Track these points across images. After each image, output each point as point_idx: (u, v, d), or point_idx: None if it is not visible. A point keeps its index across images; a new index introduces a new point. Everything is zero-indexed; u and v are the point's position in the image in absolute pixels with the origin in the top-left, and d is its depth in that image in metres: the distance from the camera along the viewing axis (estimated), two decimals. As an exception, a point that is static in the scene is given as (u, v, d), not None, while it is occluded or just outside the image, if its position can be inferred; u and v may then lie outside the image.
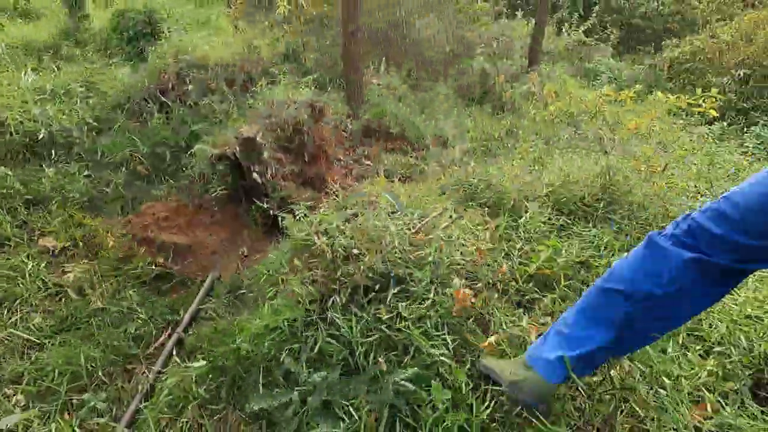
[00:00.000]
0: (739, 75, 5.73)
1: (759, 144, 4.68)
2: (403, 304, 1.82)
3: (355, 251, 1.97)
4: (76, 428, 1.56)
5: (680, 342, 1.60)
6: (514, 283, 2.18)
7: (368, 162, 3.95)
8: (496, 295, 2.09)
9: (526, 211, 2.76)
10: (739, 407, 1.32)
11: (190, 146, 3.44)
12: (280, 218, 2.42)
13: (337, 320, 1.78)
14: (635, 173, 3.04)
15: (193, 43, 4.26)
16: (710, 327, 1.65)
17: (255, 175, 2.86)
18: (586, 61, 7.27)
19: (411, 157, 4.00)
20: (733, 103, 5.65)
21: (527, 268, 2.23)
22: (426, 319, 1.82)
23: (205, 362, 1.86)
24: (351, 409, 1.49)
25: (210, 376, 1.84)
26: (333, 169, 3.55)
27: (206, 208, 3.14)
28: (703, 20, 8.39)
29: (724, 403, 1.32)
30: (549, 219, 2.69)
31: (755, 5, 8.16)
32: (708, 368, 1.39)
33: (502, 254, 2.27)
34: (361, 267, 1.92)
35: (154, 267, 2.64)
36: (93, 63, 4.71)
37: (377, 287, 1.93)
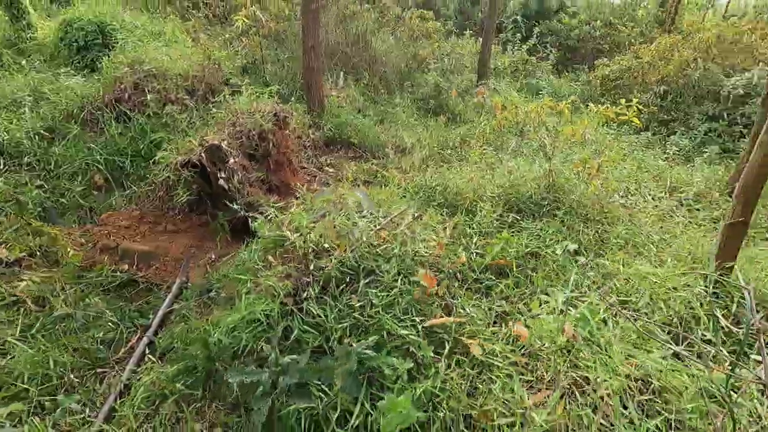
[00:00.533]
0: (660, 91, 6.46)
1: (678, 151, 5.28)
2: (374, 291, 1.97)
3: (326, 245, 2.09)
4: (50, 429, 1.55)
5: (614, 313, 1.85)
6: (472, 273, 2.39)
7: (331, 170, 4.09)
8: (457, 284, 2.28)
9: (481, 210, 3.02)
10: (662, 358, 1.56)
11: (150, 155, 3.41)
12: (250, 220, 2.50)
13: (312, 310, 1.89)
14: (575, 175, 3.39)
15: (149, 54, 4.24)
16: (637, 296, 1.92)
17: (221, 181, 2.91)
18: (530, 77, 7.86)
19: (372, 164, 4.18)
20: (656, 115, 6.35)
21: (483, 260, 2.46)
22: (395, 305, 1.97)
23: (180, 360, 1.90)
24: (325, 387, 1.59)
25: (186, 372, 1.88)
26: (298, 176, 3.66)
27: (171, 215, 3.13)
28: (628, 43, 9.35)
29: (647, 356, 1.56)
30: (501, 216, 2.96)
31: (671, 31, 9.21)
32: (634, 329, 1.64)
33: (461, 248, 2.48)
34: (333, 261, 2.05)
35: (118, 274, 2.61)
36: (40, 72, 4.54)
37: (348, 279, 2.06)
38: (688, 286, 1.97)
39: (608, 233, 2.77)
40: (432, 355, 1.74)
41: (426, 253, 2.25)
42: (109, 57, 4.27)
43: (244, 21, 5.03)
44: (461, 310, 1.99)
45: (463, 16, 12.21)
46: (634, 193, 3.91)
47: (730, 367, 1.52)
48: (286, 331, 1.89)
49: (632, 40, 9.34)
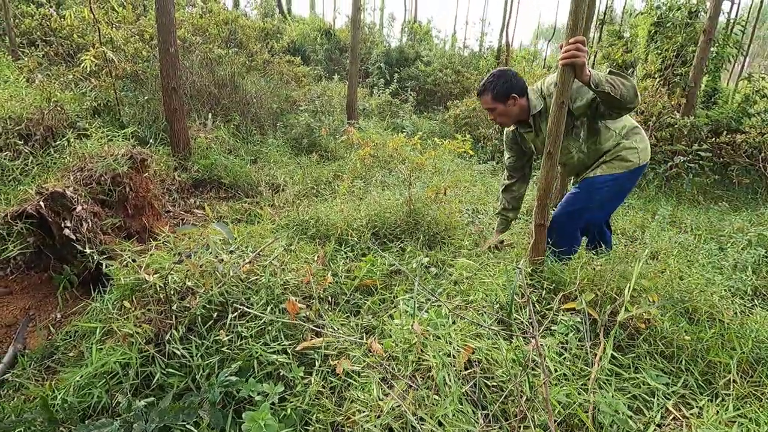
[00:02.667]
0: (498, 126, 7.72)
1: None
2: (242, 323, 2.00)
3: (190, 285, 2.07)
4: None
5: (456, 313, 2.17)
6: (343, 295, 2.57)
7: (201, 212, 3.97)
8: (327, 306, 2.43)
9: (351, 238, 3.25)
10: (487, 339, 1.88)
11: (-30, 210, 2.93)
12: (104, 267, 2.33)
13: (176, 351, 1.84)
14: (430, 200, 3.87)
15: (-33, 95, 3.69)
16: (475, 296, 2.28)
17: (67, 231, 2.64)
18: (394, 117, 8.68)
19: (245, 203, 4.17)
20: (498, 147, 7.53)
21: (353, 282, 2.66)
22: (265, 333, 2.02)
23: (12, 430, 1.66)
24: (191, 426, 1.56)
25: (23, 447, 1.65)
26: (162, 220, 3.48)
27: (0, 275, 2.71)
28: (474, 87, 10.97)
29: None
30: (368, 241, 3.23)
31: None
32: (468, 322, 1.96)
33: (329, 272, 2.65)
34: (198, 299, 2.03)
35: (-77, 353, 2.15)
36: None
37: (216, 315, 2.05)
38: (511, 280, 2.41)
39: (458, 246, 3.22)
40: (302, 375, 1.83)
41: (295, 281, 2.36)
42: None
43: (92, 61, 4.70)
44: (330, 330, 2.13)
45: (333, 62, 13.02)
46: (482, 211, 4.59)
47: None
48: (147, 378, 1.81)
49: (477, 85, 11.00)
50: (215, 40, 7.18)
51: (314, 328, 2.16)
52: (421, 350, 1.86)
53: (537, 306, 2.19)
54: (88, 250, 2.69)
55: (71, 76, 4.69)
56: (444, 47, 17.91)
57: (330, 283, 2.34)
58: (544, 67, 16.04)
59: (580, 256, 2.48)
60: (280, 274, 2.36)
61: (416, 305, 2.09)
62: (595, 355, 1.88)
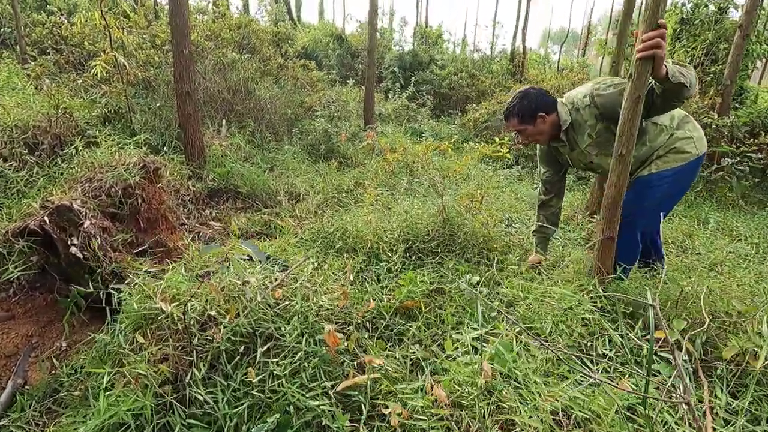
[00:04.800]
0: (521, 130, 7.41)
1: (544, 181, 6.01)
2: (274, 361, 1.70)
3: (213, 314, 1.78)
4: None
5: (522, 341, 1.85)
6: (382, 320, 2.26)
7: (217, 223, 3.70)
8: (367, 334, 2.12)
9: (384, 252, 2.95)
10: (574, 383, 1.57)
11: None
12: (114, 292, 2.05)
13: (198, 396, 1.55)
14: (464, 209, 3.56)
15: (-28, 102, 3.48)
16: (540, 320, 1.96)
17: (74, 249, 2.38)
18: (412, 122, 8.40)
19: (264, 213, 3.89)
20: (522, 151, 7.20)
21: (392, 303, 2.35)
22: (301, 372, 1.72)
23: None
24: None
25: None
26: (176, 234, 3.21)
27: (1, 298, 2.45)
28: (490, 90, 10.67)
29: (565, 383, 1.56)
30: (402, 256, 2.92)
31: (521, 81, 10.79)
32: (544, 357, 1.64)
33: (366, 294, 2.34)
34: (222, 330, 1.73)
35: None
36: None
37: (243, 349, 1.76)
38: (579, 304, 2.08)
39: (502, 262, 2.90)
40: (348, 424, 1.52)
41: (330, 306, 2.06)
42: None
43: (103, 67, 4.49)
44: (374, 365, 1.82)
45: (345, 67, 12.83)
46: (516, 221, 4.26)
47: (634, 384, 1.58)
48: (165, 429, 1.51)
49: (493, 88, 10.70)
50: (228, 44, 6.98)
51: (358, 359, 1.85)
52: (492, 395, 1.54)
53: (611, 332, 1.87)
54: (97, 270, 2.43)
55: (81, 82, 4.48)
56: (455, 51, 17.70)
57: (372, 308, 2.03)
58: (558, 71, 15.68)
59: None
60: (312, 298, 2.06)
61: (476, 333, 1.77)
62: (700, 400, 1.54)
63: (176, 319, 1.74)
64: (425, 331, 2.18)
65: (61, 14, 7.55)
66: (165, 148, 4.50)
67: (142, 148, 3.07)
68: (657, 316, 1.02)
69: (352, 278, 2.27)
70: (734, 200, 6.02)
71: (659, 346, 1.80)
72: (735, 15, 8.71)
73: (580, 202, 4.97)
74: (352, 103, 8.10)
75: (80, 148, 2.97)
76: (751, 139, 6.37)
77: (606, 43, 18.43)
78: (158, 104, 5.20)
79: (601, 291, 2.07)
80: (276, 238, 3.29)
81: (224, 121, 5.75)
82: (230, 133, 5.49)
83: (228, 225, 3.70)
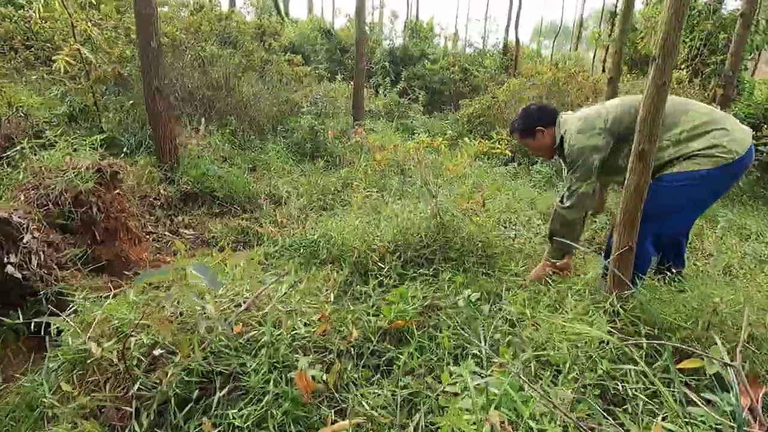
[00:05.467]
0: (517, 125, 7.14)
1: (542, 178, 5.73)
2: (235, 409, 1.39)
3: (160, 351, 1.47)
4: None
5: (533, 371, 1.57)
6: (368, 343, 1.96)
7: (190, 231, 3.37)
8: (351, 364, 1.82)
9: (372, 263, 2.65)
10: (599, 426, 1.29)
11: None
12: (50, 320, 1.73)
13: (135, 461, 1.24)
14: (460, 212, 3.27)
15: None
16: (551, 346, 1.68)
17: (10, 267, 2.05)
18: (403, 118, 8.09)
19: (242, 219, 3.57)
20: (519, 147, 6.93)
21: (380, 323, 2.05)
22: (268, 419, 1.42)
23: None
24: None
25: None
26: (141, 245, 2.89)
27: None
28: (483, 85, 10.38)
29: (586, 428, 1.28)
30: (392, 266, 2.62)
31: (515, 75, 10.52)
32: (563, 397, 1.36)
33: (350, 315, 2.04)
34: (170, 371, 1.43)
35: None
36: None
37: (196, 393, 1.46)
38: (593, 324, 1.80)
39: (503, 270, 2.61)
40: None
41: (307, 332, 1.75)
42: None
43: (66, 61, 4.12)
44: (358, 407, 1.52)
45: (334, 63, 12.48)
46: (515, 221, 3.98)
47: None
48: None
49: (486, 83, 10.41)
50: (208, 38, 6.61)
51: (335, 402, 1.55)
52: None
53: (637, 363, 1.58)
54: (41, 291, 2.10)
55: (35, 77, 4.11)
56: (447, 45, 17.41)
57: (356, 338, 1.73)
58: (556, 65, 15.39)
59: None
60: (286, 324, 1.76)
61: (483, 374, 1.48)
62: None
63: (116, 359, 1.42)
64: (418, 358, 1.89)
65: (30, 8, 7.11)
66: (135, 148, 4.16)
67: (98, 149, 2.73)
68: (740, 377, 0.74)
69: (332, 298, 1.96)
70: (739, 195, 5.82)
71: (691, 378, 1.53)
72: (732, 5, 8.51)
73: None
74: (340, 99, 7.77)
75: (27, 150, 2.63)
76: (754, 132, 6.15)
77: (599, 36, 18.21)
78: (131, 102, 4.85)
79: (620, 308, 1.80)
80: (254, 246, 2.98)
81: (203, 119, 5.40)
82: (209, 131, 5.15)
83: (202, 233, 3.38)
